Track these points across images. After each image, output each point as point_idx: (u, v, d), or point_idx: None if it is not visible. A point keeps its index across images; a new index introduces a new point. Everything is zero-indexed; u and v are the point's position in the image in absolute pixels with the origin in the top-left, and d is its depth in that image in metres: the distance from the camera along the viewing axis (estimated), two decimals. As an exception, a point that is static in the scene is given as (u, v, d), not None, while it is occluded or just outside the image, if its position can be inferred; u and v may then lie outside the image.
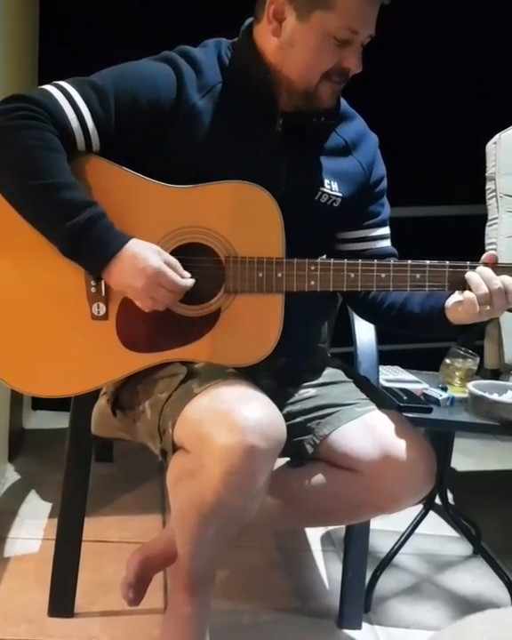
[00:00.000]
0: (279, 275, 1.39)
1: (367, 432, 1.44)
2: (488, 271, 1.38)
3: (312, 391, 1.54)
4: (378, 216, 1.59)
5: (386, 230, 1.61)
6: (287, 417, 1.48)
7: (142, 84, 1.40)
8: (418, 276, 1.40)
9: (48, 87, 1.38)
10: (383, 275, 1.40)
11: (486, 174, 2.36)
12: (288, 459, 1.54)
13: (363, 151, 1.55)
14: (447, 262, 1.40)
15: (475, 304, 1.36)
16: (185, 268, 1.38)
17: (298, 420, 1.50)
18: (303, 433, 1.49)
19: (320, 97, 1.44)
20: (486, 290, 1.36)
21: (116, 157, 1.41)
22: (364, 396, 1.52)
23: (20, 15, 2.44)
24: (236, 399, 1.30)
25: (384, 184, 1.61)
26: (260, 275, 1.39)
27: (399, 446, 1.42)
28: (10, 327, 1.42)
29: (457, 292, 1.42)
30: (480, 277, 1.37)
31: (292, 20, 1.40)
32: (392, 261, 1.42)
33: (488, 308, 1.37)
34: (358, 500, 1.46)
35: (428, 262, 1.41)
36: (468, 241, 2.05)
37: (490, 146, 2.35)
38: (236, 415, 1.26)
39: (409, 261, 1.42)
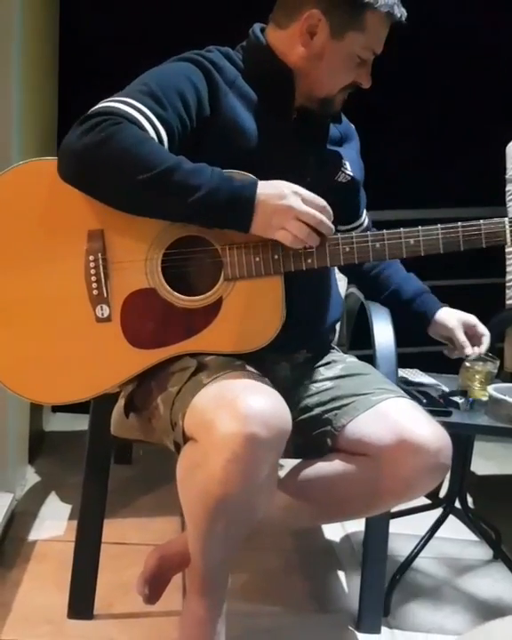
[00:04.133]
0: (276, 256, 1.41)
1: (381, 418, 1.45)
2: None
3: (328, 384, 1.55)
4: (361, 202, 1.77)
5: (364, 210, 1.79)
6: (304, 410, 1.50)
7: (181, 82, 1.44)
8: (412, 241, 1.44)
9: (109, 103, 1.39)
10: (378, 245, 1.43)
11: (506, 176, 2.35)
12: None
13: (352, 142, 1.68)
14: (439, 225, 1.44)
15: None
16: (183, 260, 1.41)
17: (315, 411, 1.50)
18: (321, 425, 1.49)
19: (334, 103, 1.57)
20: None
21: None
22: (380, 386, 1.53)
23: (40, 35, 2.45)
24: (242, 388, 1.32)
25: (363, 171, 1.73)
26: (257, 259, 1.41)
27: (413, 429, 1.41)
28: (15, 337, 1.42)
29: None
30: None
31: (323, 35, 1.48)
32: (384, 231, 1.45)
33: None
34: (375, 487, 1.45)
35: (420, 228, 1.44)
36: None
37: (509, 148, 2.34)
38: (240, 403, 1.27)
39: (402, 229, 1.45)
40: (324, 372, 1.58)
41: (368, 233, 1.45)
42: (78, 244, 1.40)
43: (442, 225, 1.44)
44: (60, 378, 1.43)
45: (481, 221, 1.44)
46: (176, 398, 1.40)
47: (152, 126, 1.39)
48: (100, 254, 1.40)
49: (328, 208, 1.40)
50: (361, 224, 1.77)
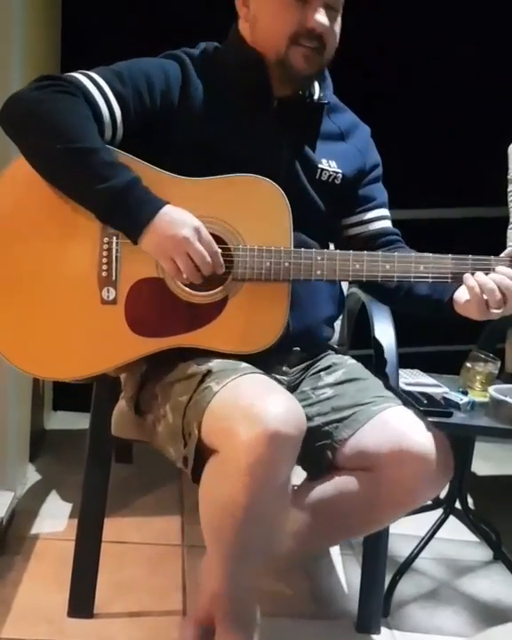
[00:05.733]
0: (286, 264, 1.42)
1: (381, 428, 1.45)
2: (481, 276, 1.41)
3: (329, 391, 1.54)
4: (373, 200, 1.65)
5: (383, 211, 1.66)
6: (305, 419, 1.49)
7: (154, 71, 1.47)
8: (422, 267, 1.45)
9: (73, 73, 1.44)
10: (388, 266, 1.45)
11: (508, 176, 2.35)
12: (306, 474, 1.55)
13: (356, 138, 1.64)
14: (450, 255, 1.46)
15: (478, 306, 1.41)
16: None
17: (316, 422, 1.50)
18: (322, 437, 1.49)
19: (292, 63, 1.48)
20: (479, 295, 1.40)
21: (130, 144, 1.44)
22: (380, 394, 1.53)
23: (41, 35, 2.46)
24: (257, 393, 1.32)
25: (379, 171, 1.67)
26: (268, 264, 1.42)
27: (412, 438, 1.42)
28: (20, 311, 1.43)
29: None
30: (474, 281, 1.41)
31: None
32: (396, 254, 1.46)
33: (495, 310, 1.41)
34: (378, 498, 1.45)
35: (431, 255, 1.45)
36: (489, 243, 2.04)
37: (511, 148, 2.33)
38: (258, 408, 1.27)
39: (413, 253, 1.48)
40: (325, 378, 1.57)
41: (379, 252, 1.45)
42: (95, 225, 1.41)
43: (453, 255, 1.45)
44: (59, 354, 1.44)
45: (492, 257, 1.46)
46: (188, 407, 1.39)
47: (104, 99, 1.41)
48: (114, 237, 1.42)
49: (219, 257, 1.39)
50: (367, 221, 1.63)
